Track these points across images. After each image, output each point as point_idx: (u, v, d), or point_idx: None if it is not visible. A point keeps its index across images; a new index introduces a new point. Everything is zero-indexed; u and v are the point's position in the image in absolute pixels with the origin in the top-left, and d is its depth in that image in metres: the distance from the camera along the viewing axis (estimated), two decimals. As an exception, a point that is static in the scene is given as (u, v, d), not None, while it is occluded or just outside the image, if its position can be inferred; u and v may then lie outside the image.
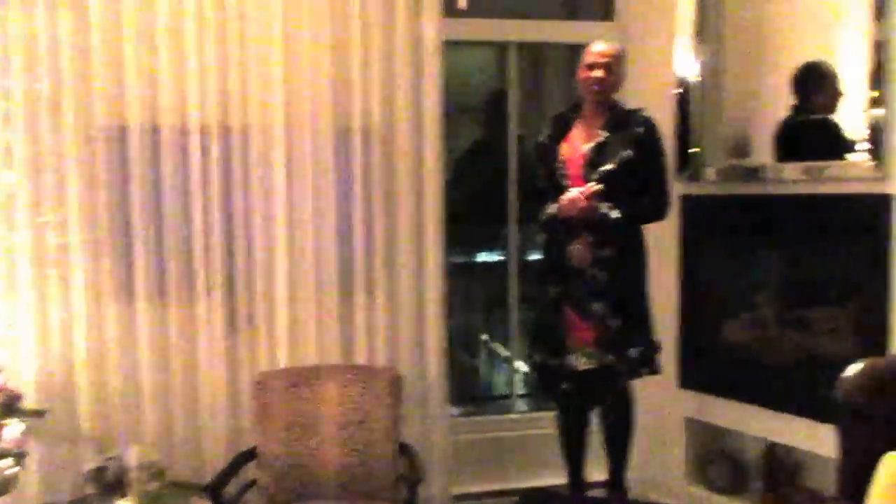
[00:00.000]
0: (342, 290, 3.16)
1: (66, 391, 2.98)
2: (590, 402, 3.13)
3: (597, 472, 3.25)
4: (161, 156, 3.02)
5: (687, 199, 3.30)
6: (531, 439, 3.63)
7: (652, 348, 3.01)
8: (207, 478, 2.84)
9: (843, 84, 2.82)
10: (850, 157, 2.74)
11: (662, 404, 3.42)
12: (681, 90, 3.32)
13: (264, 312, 3.11)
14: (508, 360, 3.99)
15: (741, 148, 3.23)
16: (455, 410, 3.76)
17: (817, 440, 2.75)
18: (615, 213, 2.85)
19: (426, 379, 3.25)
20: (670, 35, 3.34)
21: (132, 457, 2.52)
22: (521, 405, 4.00)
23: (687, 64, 3.30)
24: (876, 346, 2.62)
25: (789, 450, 3.08)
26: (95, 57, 2.94)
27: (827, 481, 2.40)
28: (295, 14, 3.04)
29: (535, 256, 3.56)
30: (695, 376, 3.34)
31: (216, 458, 3.01)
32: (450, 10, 3.27)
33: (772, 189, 2.99)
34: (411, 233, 3.20)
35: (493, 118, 3.82)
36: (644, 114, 2.98)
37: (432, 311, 3.25)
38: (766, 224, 3.05)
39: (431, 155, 3.20)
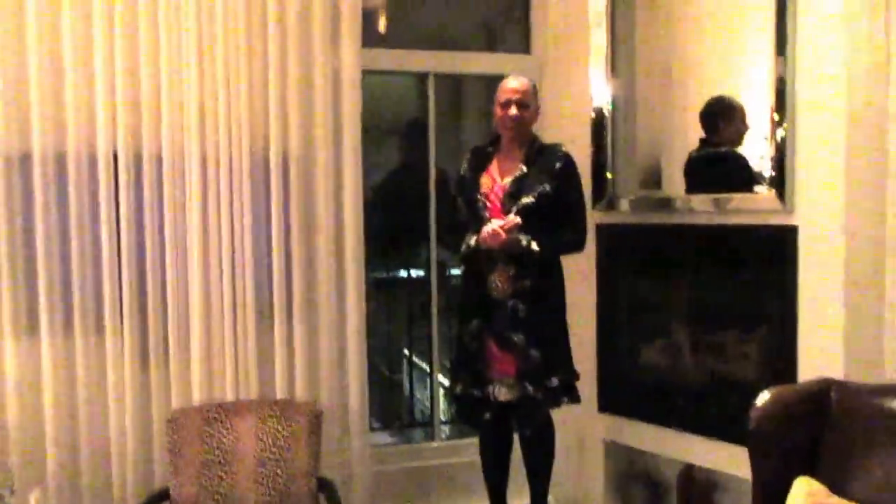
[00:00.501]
0: (260, 321, 3.08)
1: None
2: (511, 431, 3.15)
3: (518, 498, 3.26)
4: (68, 183, 2.89)
5: (603, 229, 3.36)
6: (454, 467, 3.62)
7: (572, 377, 3.05)
8: (117, 522, 2.72)
9: (748, 118, 2.90)
10: (756, 189, 2.82)
11: (582, 427, 3.48)
12: (596, 122, 3.38)
13: (178, 345, 3.00)
14: (429, 375, 3.99)
15: (653, 179, 3.32)
16: (377, 437, 3.71)
17: (733, 462, 2.83)
18: (535, 246, 2.89)
19: (347, 410, 3.20)
20: (585, 68, 3.41)
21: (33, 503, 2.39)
22: (445, 431, 3.99)
23: (601, 96, 3.37)
24: (785, 371, 2.71)
25: (706, 471, 3.16)
26: (-3, 79, 2.81)
27: (744, 502, 2.46)
28: (209, 41, 2.97)
29: (455, 271, 3.63)
30: (613, 400, 3.40)
31: (126, 502, 2.89)
32: (369, 39, 3.26)
33: (683, 219, 3.07)
34: (331, 262, 3.15)
35: (414, 143, 3.84)
36: (562, 148, 3.03)
37: (353, 341, 3.21)
38: (679, 253, 3.12)
39: (351, 183, 3.18)
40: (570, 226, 3.01)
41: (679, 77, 3.18)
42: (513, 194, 2.95)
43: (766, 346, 2.86)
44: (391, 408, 4.29)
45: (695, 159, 3.08)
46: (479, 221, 2.96)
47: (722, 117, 3.00)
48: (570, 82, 3.54)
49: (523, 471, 3.18)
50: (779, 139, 2.72)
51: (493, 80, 3.12)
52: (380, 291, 4.05)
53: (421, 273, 3.94)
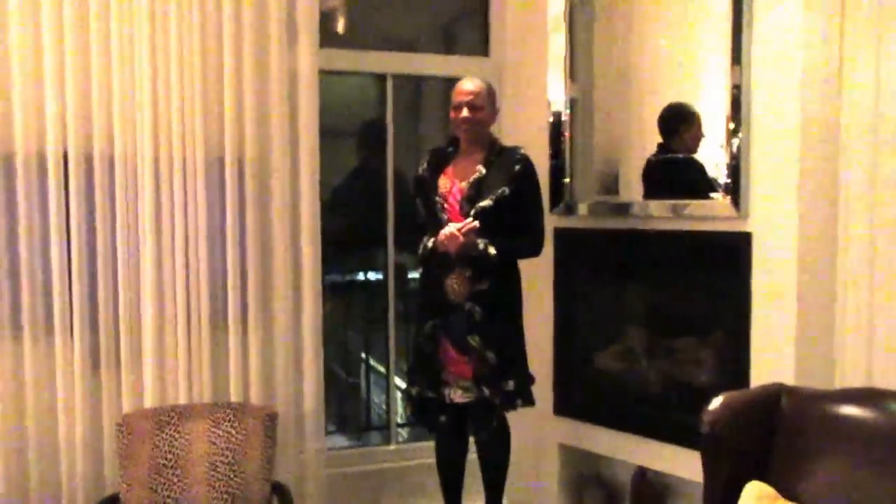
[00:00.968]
0: (213, 323, 3.03)
1: None
2: (467, 433, 3.16)
3: (474, 501, 3.27)
4: (16, 184, 2.81)
5: (560, 233, 3.37)
6: (410, 470, 3.62)
7: (527, 381, 3.05)
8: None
9: (705, 125, 2.93)
10: (712, 195, 2.85)
11: (537, 430, 3.48)
12: (554, 126, 3.39)
13: (129, 348, 2.94)
14: (386, 378, 3.98)
15: (611, 184, 3.34)
16: (334, 440, 3.68)
17: (685, 465, 2.86)
18: (492, 250, 2.89)
19: (302, 414, 3.17)
20: (544, 72, 3.42)
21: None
22: (401, 434, 3.97)
23: (560, 101, 3.38)
24: (738, 376, 2.74)
25: (659, 475, 3.19)
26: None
27: (695, 505, 2.51)
28: (163, 39, 2.91)
29: (414, 275, 3.61)
30: (569, 403, 3.41)
31: (75, 508, 2.83)
32: (326, 40, 3.23)
33: (640, 225, 3.09)
34: (287, 265, 3.11)
35: (372, 145, 3.82)
36: (521, 152, 3.03)
37: (309, 344, 3.17)
38: (635, 258, 3.15)
39: (308, 185, 3.14)
40: (528, 229, 3.01)
41: (637, 83, 3.20)
42: (471, 197, 2.95)
43: (720, 351, 2.90)
44: (348, 412, 4.26)
45: (653, 165, 3.11)
46: (437, 223, 2.95)
47: (678, 124, 3.03)
48: (529, 86, 3.55)
49: (479, 473, 3.18)
50: (734, 147, 2.75)
51: (452, 83, 3.11)
52: (337, 295, 4.01)
53: (379, 276, 3.92)
